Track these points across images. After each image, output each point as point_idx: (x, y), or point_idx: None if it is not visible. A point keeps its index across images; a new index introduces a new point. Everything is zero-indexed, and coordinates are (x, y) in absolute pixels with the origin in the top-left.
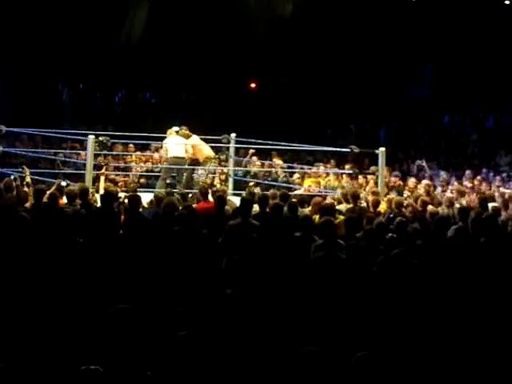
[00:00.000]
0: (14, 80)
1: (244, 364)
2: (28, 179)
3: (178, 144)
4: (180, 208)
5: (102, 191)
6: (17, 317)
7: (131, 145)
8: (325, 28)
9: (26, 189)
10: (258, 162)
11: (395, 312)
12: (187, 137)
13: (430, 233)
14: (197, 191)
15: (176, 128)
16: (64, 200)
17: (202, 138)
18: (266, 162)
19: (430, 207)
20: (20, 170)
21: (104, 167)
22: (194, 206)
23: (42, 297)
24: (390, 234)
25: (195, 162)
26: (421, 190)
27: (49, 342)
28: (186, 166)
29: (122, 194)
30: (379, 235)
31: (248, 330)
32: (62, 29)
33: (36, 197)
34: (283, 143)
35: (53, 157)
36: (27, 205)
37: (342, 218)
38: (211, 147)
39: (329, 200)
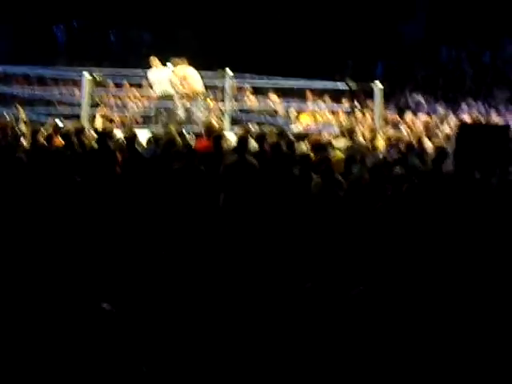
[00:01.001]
0: (9, 19)
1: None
2: (23, 117)
3: (162, 80)
4: (179, 146)
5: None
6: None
7: (126, 82)
8: None
9: (22, 127)
10: (254, 99)
11: (396, 248)
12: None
13: (429, 168)
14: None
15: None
16: (60, 139)
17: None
18: (262, 99)
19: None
20: (15, 109)
21: (100, 105)
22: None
23: (44, 236)
24: (396, 170)
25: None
26: (419, 125)
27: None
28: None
29: (119, 133)
30: (377, 171)
31: (248, 267)
32: None
33: (32, 137)
34: (279, 79)
35: (48, 96)
36: (24, 143)
37: (339, 154)
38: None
39: (326, 136)
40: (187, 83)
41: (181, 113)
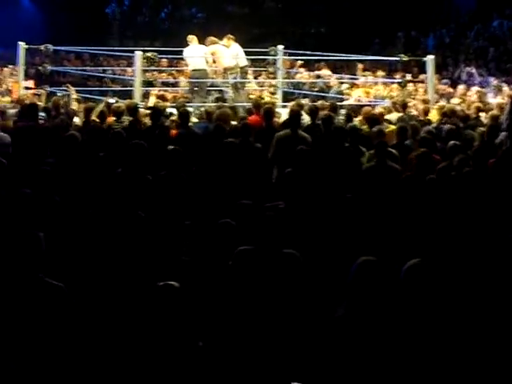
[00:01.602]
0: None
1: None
2: (75, 96)
3: (196, 56)
4: (231, 121)
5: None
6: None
7: (178, 60)
8: None
9: (74, 105)
10: (306, 74)
11: (450, 221)
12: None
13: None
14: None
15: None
16: (112, 117)
17: (248, 52)
18: (314, 73)
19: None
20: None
21: (153, 83)
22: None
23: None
24: (452, 142)
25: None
26: (473, 96)
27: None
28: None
29: (172, 110)
30: (430, 143)
31: (300, 242)
32: None
33: (85, 115)
34: (331, 54)
35: (101, 74)
36: (77, 121)
37: (392, 127)
38: (256, 60)
39: (378, 110)
40: (217, 58)
41: (231, 89)
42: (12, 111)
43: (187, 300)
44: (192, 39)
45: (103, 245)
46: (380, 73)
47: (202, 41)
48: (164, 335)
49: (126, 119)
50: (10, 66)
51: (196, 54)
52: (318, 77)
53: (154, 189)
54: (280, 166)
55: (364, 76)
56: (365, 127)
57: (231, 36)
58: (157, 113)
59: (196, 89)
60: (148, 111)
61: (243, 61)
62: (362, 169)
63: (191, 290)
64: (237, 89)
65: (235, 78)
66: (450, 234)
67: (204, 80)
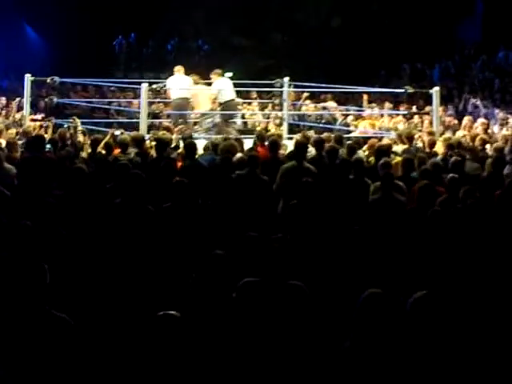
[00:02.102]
0: (67, 30)
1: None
2: (80, 128)
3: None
4: (237, 153)
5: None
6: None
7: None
8: None
9: (80, 137)
10: (312, 106)
11: (455, 253)
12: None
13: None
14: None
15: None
16: (119, 149)
17: (254, 84)
18: (320, 105)
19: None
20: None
21: (159, 115)
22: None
23: (107, 244)
24: (451, 175)
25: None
26: (478, 128)
27: (121, 291)
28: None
29: (177, 141)
30: (435, 175)
31: (306, 274)
32: None
33: (92, 147)
34: (337, 86)
35: (107, 106)
36: (84, 154)
37: (397, 159)
38: (262, 92)
39: (386, 141)
40: (194, 103)
41: (238, 120)
42: (18, 143)
43: (188, 330)
44: (179, 70)
45: (107, 275)
46: (386, 104)
47: (205, 73)
48: (163, 365)
49: (132, 151)
50: (18, 99)
51: (179, 84)
52: (324, 108)
53: (158, 220)
54: (285, 197)
55: (370, 108)
56: (371, 159)
57: (218, 71)
58: (162, 144)
59: (180, 120)
60: (154, 143)
61: (229, 95)
62: (367, 201)
63: (194, 321)
64: (224, 122)
65: (212, 122)
66: (455, 266)
67: (188, 112)
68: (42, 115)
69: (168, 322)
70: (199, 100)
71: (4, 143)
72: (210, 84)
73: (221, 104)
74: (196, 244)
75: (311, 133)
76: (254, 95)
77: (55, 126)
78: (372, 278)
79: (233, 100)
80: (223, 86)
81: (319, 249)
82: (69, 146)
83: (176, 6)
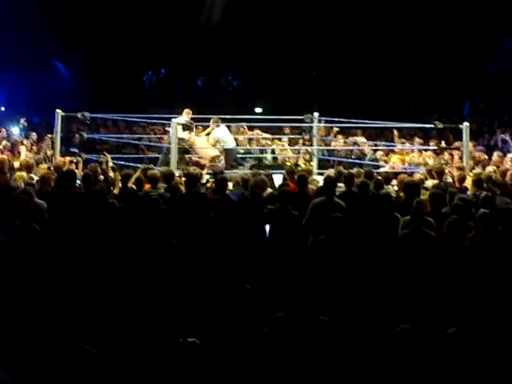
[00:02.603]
0: (97, 66)
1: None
2: (111, 164)
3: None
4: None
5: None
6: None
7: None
8: (403, 2)
9: (111, 173)
10: (342, 141)
11: (487, 288)
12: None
13: None
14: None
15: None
16: (149, 184)
17: (284, 119)
18: (350, 140)
19: None
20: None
21: (189, 150)
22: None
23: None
24: (482, 210)
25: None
26: (508, 163)
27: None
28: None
29: (207, 177)
30: (466, 210)
31: (336, 309)
32: (144, 15)
33: (123, 182)
34: (367, 121)
35: (137, 142)
36: (115, 191)
37: (427, 194)
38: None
39: (418, 176)
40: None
41: (268, 156)
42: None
43: (211, 358)
44: (188, 112)
45: (136, 308)
46: (417, 140)
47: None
48: None
49: (162, 186)
50: (49, 136)
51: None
52: (354, 144)
53: (185, 254)
54: (315, 232)
55: (402, 143)
56: (401, 194)
57: (216, 119)
58: (193, 180)
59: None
60: (184, 178)
61: (229, 143)
62: (397, 236)
63: (224, 354)
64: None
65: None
66: (485, 301)
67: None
68: (76, 150)
69: (189, 349)
70: (200, 152)
71: (35, 178)
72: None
73: (225, 151)
74: (226, 278)
75: (341, 168)
76: (287, 130)
77: (85, 161)
78: (403, 313)
79: (233, 150)
80: (222, 134)
81: (348, 284)
82: (101, 182)
83: (206, 42)
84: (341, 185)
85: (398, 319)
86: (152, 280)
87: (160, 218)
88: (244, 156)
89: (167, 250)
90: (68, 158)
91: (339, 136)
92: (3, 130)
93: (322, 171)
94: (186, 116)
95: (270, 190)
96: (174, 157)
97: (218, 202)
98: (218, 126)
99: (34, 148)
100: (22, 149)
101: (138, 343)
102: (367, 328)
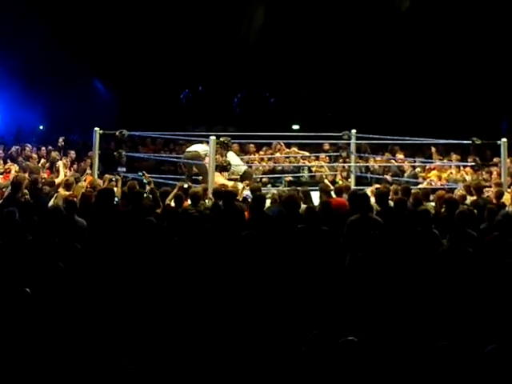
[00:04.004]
0: (135, 83)
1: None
2: (151, 185)
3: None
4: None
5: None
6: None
7: (252, 144)
8: (441, 18)
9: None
10: (379, 158)
11: None
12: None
13: None
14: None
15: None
16: (188, 202)
17: (321, 135)
18: (387, 157)
19: None
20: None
21: (227, 167)
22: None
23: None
24: None
25: None
26: None
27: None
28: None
29: (246, 193)
30: (506, 227)
31: (376, 326)
32: (181, 33)
33: (161, 199)
34: (404, 137)
35: (175, 159)
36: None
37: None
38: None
39: (459, 193)
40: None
41: (305, 173)
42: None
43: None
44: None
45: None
46: (455, 156)
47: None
48: None
49: (202, 204)
50: (90, 152)
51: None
52: (392, 160)
53: (224, 271)
54: (352, 250)
55: (440, 159)
56: (442, 210)
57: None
58: (230, 197)
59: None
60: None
61: (239, 168)
62: (436, 252)
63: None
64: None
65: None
66: None
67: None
68: (124, 170)
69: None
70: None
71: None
72: None
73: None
74: (264, 297)
75: (378, 185)
76: (327, 146)
77: (124, 179)
78: (442, 330)
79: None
80: (232, 157)
81: (387, 301)
82: (146, 200)
83: (243, 59)
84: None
85: (438, 336)
86: (193, 296)
87: (198, 236)
88: (281, 175)
89: (207, 266)
90: (107, 176)
91: (379, 153)
92: (43, 148)
93: (360, 188)
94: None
95: (304, 206)
96: (211, 174)
97: (256, 219)
98: (228, 150)
99: (75, 166)
100: (61, 167)
101: (186, 362)
102: (407, 345)
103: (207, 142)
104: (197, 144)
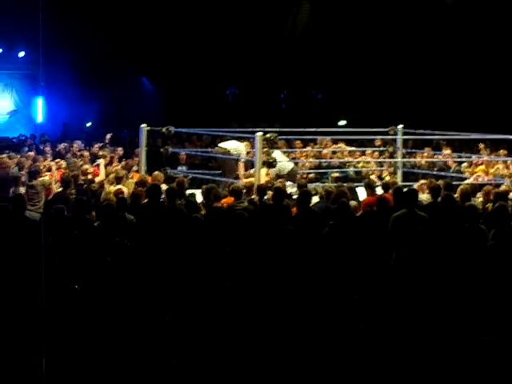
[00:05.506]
0: (181, 80)
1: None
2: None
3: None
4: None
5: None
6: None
7: (298, 141)
8: (488, 10)
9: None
10: (426, 153)
11: None
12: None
13: None
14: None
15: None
16: (233, 197)
17: (366, 131)
18: (434, 153)
19: None
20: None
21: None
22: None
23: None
24: None
25: None
26: None
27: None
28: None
29: (292, 190)
30: None
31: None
32: (227, 29)
33: (206, 196)
34: (451, 133)
35: (221, 156)
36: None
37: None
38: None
39: (503, 187)
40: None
41: (351, 169)
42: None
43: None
44: (247, 145)
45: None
46: (502, 151)
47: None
48: None
49: (246, 200)
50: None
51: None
52: (438, 156)
53: (269, 269)
54: (398, 246)
55: (487, 154)
56: (488, 205)
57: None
58: (279, 193)
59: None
60: (270, 191)
61: (285, 165)
62: (484, 248)
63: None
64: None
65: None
66: None
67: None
68: (184, 169)
69: None
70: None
71: (126, 191)
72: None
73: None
74: (306, 293)
75: (425, 180)
76: (379, 142)
77: (169, 175)
78: (488, 326)
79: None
80: (278, 156)
81: (433, 297)
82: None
83: (289, 55)
84: None
85: (484, 331)
86: (237, 293)
87: (244, 231)
88: (327, 170)
89: (252, 263)
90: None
91: (426, 148)
92: (95, 145)
93: (406, 184)
94: (244, 148)
95: (353, 202)
96: (258, 170)
97: (302, 215)
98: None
99: (123, 163)
100: (102, 165)
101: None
102: (454, 341)
103: (242, 140)
104: (230, 140)
